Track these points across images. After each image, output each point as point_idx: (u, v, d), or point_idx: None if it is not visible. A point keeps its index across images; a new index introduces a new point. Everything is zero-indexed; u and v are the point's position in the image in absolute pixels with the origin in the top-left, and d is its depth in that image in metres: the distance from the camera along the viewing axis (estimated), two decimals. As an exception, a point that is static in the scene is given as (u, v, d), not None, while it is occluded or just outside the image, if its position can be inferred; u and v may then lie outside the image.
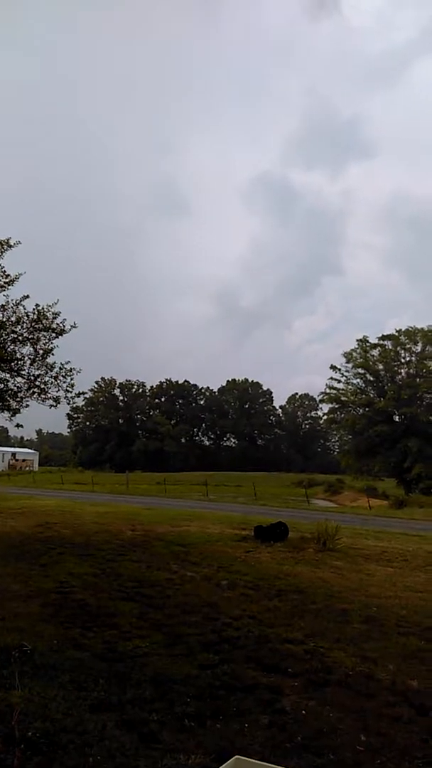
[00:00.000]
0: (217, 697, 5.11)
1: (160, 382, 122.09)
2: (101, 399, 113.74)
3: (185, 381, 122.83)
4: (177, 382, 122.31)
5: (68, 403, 16.41)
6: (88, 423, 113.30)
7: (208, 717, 4.67)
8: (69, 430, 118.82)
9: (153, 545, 13.97)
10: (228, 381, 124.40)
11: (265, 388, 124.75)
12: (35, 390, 15.78)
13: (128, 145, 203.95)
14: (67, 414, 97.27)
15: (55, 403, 15.98)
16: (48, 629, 6.82)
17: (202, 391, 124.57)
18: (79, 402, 20.41)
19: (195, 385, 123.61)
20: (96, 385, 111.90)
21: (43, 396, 15.87)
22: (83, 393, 17.59)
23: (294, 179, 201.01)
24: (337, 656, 6.40)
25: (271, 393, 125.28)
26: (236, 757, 3.24)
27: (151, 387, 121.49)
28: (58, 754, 3.96)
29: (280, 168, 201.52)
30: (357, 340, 58.63)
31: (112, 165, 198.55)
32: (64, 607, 7.93)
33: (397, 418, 55.50)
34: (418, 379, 54.87)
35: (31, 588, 8.98)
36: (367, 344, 58.07)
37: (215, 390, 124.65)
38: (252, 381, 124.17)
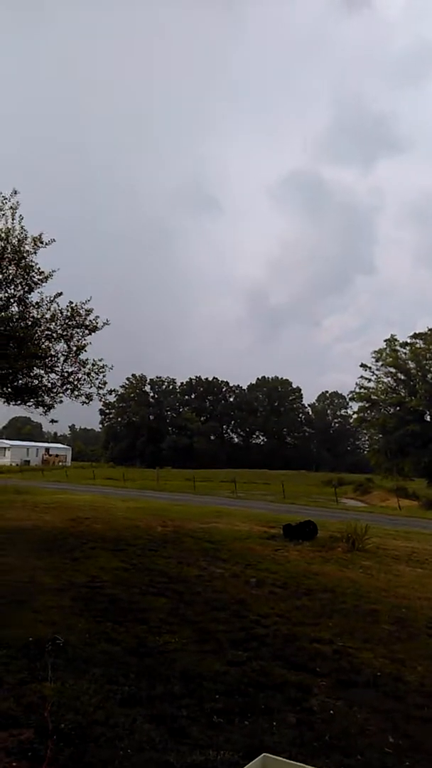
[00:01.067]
0: (245, 694, 5.16)
1: (190, 378, 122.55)
2: (132, 395, 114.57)
3: (215, 378, 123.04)
4: (207, 379, 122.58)
5: (100, 400, 16.63)
6: (119, 419, 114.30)
7: (236, 714, 4.73)
8: (101, 426, 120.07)
9: (183, 541, 14.08)
10: (258, 379, 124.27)
11: (294, 386, 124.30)
12: (68, 386, 16.00)
13: (159, 143, 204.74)
14: (100, 410, 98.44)
15: (87, 400, 16.20)
16: (80, 623, 6.95)
17: (232, 388, 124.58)
18: (111, 398, 20.55)
19: (225, 382, 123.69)
20: (127, 381, 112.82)
21: (76, 393, 16.08)
22: (114, 390, 17.76)
23: (324, 176, 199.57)
24: (366, 657, 6.40)
25: (301, 391, 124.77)
26: (264, 754, 3.28)
27: (181, 383, 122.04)
28: (90, 747, 4.06)
29: (309, 165, 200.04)
30: (385, 340, 58.17)
31: (143, 164, 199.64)
32: (96, 601, 8.06)
33: (428, 418, 54.86)
34: (450, 379, 54.14)
35: (63, 582, 9.14)
36: (396, 343, 57.51)
37: (245, 387, 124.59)
38: (282, 379, 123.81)
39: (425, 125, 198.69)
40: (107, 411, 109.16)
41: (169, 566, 10.95)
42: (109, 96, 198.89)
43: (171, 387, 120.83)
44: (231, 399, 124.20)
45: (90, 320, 15.76)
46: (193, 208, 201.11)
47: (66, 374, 15.91)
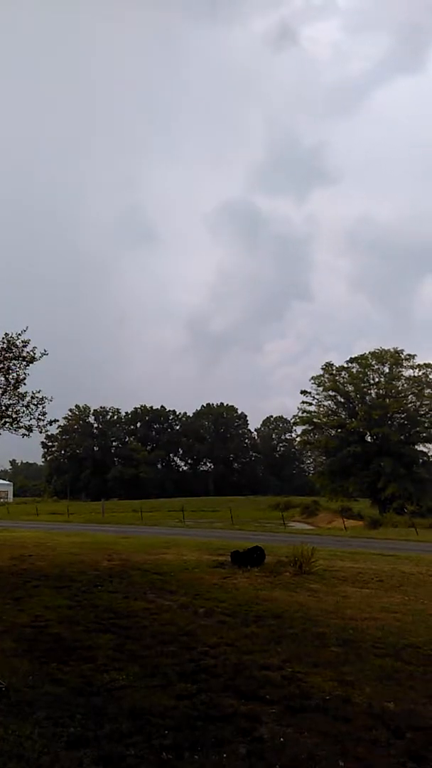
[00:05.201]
0: (195, 727, 5.08)
1: (135, 408, 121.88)
2: (75, 427, 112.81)
3: (161, 406, 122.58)
4: (152, 407, 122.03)
5: (40, 432, 16.30)
6: (62, 452, 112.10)
7: (186, 748, 4.65)
8: (44, 459, 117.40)
9: (130, 575, 13.82)
10: (203, 405, 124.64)
11: (239, 411, 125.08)
12: (7, 420, 15.64)
13: (96, 175, 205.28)
14: (42, 442, 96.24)
15: (27, 432, 15.86)
16: (23, 665, 6.71)
17: (178, 416, 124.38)
18: (53, 430, 20.14)
19: (172, 411, 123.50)
20: (69, 413, 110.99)
21: (15, 425, 15.73)
22: (55, 420, 17.46)
23: (260, 207, 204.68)
24: (315, 681, 6.40)
25: (246, 416, 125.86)
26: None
27: (126, 413, 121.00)
28: (34, 794, 3.92)
29: (245, 196, 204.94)
30: (321, 367, 59.69)
31: (82, 195, 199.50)
32: (40, 642, 7.79)
33: (369, 438, 56.15)
34: (387, 400, 55.76)
35: (4, 623, 8.81)
36: (333, 368, 59.11)
37: (191, 415, 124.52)
38: (227, 405, 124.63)
39: (354, 157, 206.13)
40: (50, 444, 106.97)
41: (116, 601, 10.71)
42: (48, 125, 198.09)
43: (116, 417, 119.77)
44: (177, 427, 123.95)
45: (27, 351, 15.54)
46: (133, 239, 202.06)
47: (4, 407, 15.57)
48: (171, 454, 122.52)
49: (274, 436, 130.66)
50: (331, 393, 58.74)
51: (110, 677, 6.36)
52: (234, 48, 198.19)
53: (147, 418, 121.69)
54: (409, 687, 6.34)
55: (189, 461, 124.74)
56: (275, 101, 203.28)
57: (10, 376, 15.49)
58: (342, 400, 58.78)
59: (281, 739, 4.90)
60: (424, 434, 56.35)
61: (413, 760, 4.64)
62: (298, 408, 60.83)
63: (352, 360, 59.19)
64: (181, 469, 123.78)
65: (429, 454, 57.19)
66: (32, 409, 15.67)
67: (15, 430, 15.89)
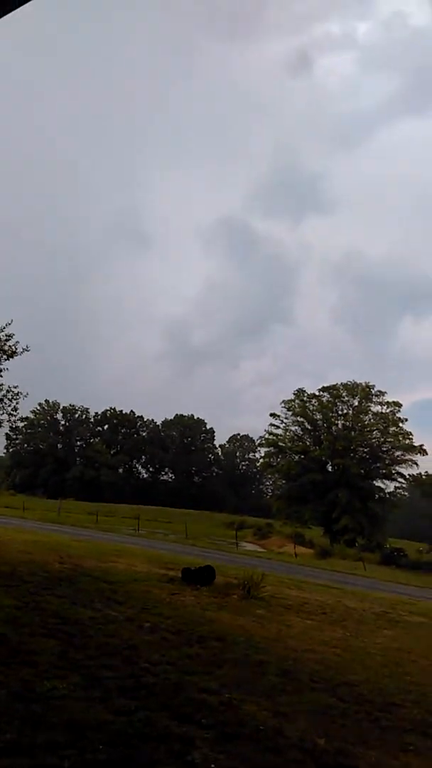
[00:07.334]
0: (129, 745, 5.16)
1: (105, 410, 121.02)
2: (42, 422, 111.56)
3: (131, 411, 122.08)
4: (121, 411, 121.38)
5: (11, 429, 16.30)
6: (26, 445, 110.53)
7: (118, 765, 4.74)
8: (5, 451, 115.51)
9: (79, 580, 13.80)
10: (175, 415, 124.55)
11: (208, 426, 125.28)
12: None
13: (93, 172, 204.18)
14: (6, 434, 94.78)
15: (-4, 426, 15.84)
16: (-36, 664, 6.73)
17: (146, 422, 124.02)
18: (20, 424, 20.08)
19: (140, 417, 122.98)
20: (38, 407, 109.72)
21: (-16, 417, 15.69)
22: (26, 418, 17.46)
23: (255, 226, 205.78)
24: (250, 709, 6.54)
25: (213, 432, 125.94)
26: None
27: (95, 414, 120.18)
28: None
29: (242, 213, 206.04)
30: (293, 392, 60.54)
31: (75, 190, 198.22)
32: (-17, 641, 7.80)
33: (330, 468, 56.90)
34: (352, 432, 56.64)
35: None
36: (305, 395, 59.96)
37: (159, 423, 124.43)
38: (196, 418, 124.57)
39: (352, 191, 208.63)
40: (14, 436, 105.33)
41: (63, 606, 10.71)
42: (49, 122, 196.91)
43: (84, 416, 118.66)
44: (144, 433, 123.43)
45: (9, 345, 15.54)
46: (123, 241, 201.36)
47: None
48: (134, 460, 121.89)
49: (238, 454, 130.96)
50: (300, 419, 59.56)
51: (51, 685, 6.39)
52: (249, 67, 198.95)
53: (115, 421, 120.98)
54: (341, 725, 6.54)
55: (151, 469, 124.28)
56: (283, 125, 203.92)
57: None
58: (309, 427, 59.54)
59: (212, 766, 5.03)
60: (384, 471, 57.44)
61: (336, 798, 4.82)
62: (266, 430, 61.65)
63: (324, 389, 60.12)
64: (141, 476, 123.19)
65: (386, 491, 58.20)
66: (6, 404, 15.64)
67: None
